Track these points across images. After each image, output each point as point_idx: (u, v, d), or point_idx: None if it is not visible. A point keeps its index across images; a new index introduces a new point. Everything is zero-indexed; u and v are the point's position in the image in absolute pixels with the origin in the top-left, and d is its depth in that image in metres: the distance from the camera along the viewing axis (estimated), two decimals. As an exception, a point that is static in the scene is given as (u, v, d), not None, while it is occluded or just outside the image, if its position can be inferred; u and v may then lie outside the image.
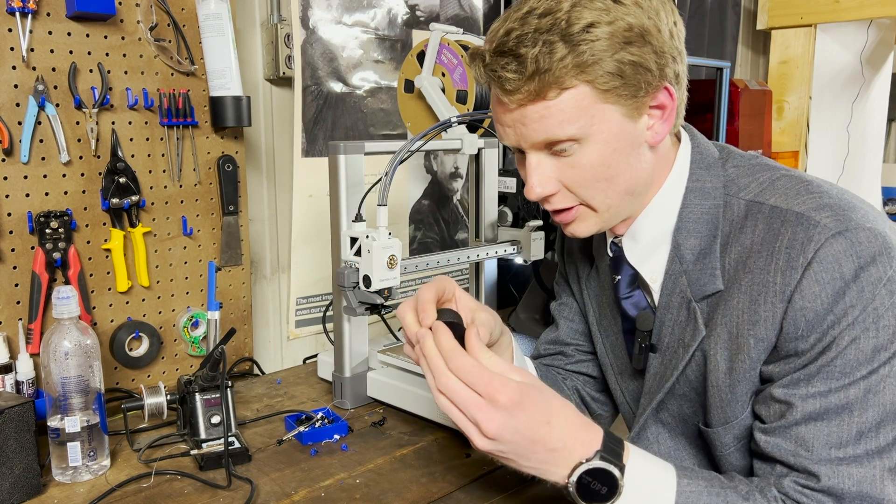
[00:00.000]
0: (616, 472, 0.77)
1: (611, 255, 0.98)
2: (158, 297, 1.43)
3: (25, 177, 1.25)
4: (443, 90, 1.45)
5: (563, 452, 0.77)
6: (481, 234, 1.58)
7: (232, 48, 1.40)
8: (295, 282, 1.68)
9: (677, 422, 0.96)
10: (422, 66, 1.46)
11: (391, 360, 1.37)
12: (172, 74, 1.40)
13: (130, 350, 1.40)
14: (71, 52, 1.27)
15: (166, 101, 1.38)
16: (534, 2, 0.80)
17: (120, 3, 1.31)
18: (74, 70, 1.27)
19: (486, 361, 0.78)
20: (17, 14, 1.20)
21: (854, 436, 0.77)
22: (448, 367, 0.77)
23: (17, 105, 1.22)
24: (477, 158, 1.56)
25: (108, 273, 1.36)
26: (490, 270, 1.62)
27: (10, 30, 1.20)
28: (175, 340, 1.47)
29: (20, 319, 1.25)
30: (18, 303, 1.25)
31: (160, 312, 1.44)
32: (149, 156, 1.38)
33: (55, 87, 1.26)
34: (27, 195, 1.25)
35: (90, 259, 1.33)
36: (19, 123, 1.23)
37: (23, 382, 1.21)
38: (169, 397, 1.18)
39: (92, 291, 1.35)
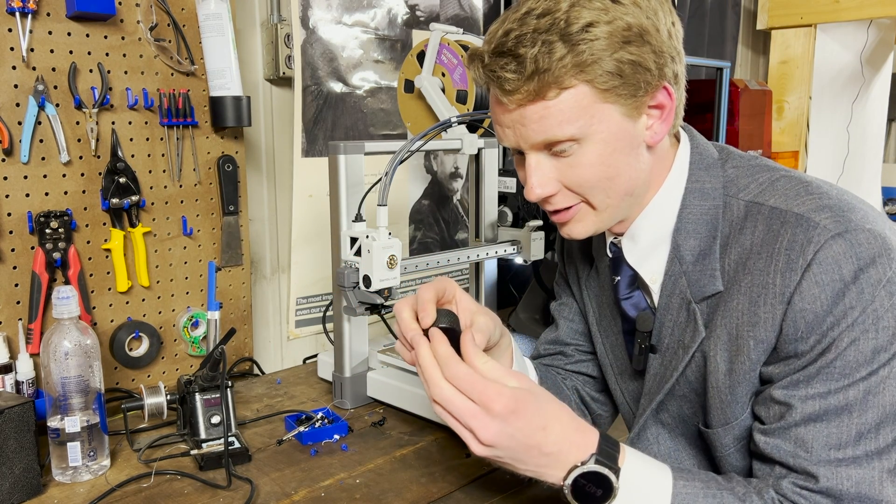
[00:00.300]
0: (611, 475, 0.77)
1: (610, 255, 0.97)
2: (158, 297, 1.43)
3: (25, 177, 1.25)
4: (443, 90, 1.45)
5: (558, 456, 0.77)
6: (481, 234, 1.58)
7: (232, 48, 1.40)
8: (295, 282, 1.68)
9: (677, 422, 0.96)
10: (422, 66, 1.46)
11: (391, 360, 1.37)
12: (172, 74, 1.40)
13: (130, 350, 1.40)
14: (71, 52, 1.27)
15: (166, 101, 1.38)
16: (532, 2, 0.80)
17: (120, 3, 1.31)
18: (74, 70, 1.27)
19: (482, 367, 0.78)
20: (17, 14, 1.20)
21: (853, 437, 0.77)
22: (443, 375, 0.77)
23: (17, 105, 1.22)
24: (477, 158, 1.56)
25: (108, 273, 1.36)
26: (490, 270, 1.62)
27: (10, 30, 1.20)
28: (175, 340, 1.47)
29: (20, 319, 1.25)
30: (18, 303, 1.26)
31: (160, 312, 1.44)
32: (149, 156, 1.38)
33: (55, 87, 1.26)
34: (27, 195, 1.25)
35: (90, 259, 1.33)
36: (19, 123, 1.23)
37: (23, 382, 1.21)
38: (169, 397, 1.18)
39: (92, 291, 1.35)
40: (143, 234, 1.38)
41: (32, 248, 1.26)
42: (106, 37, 1.31)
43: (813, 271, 0.77)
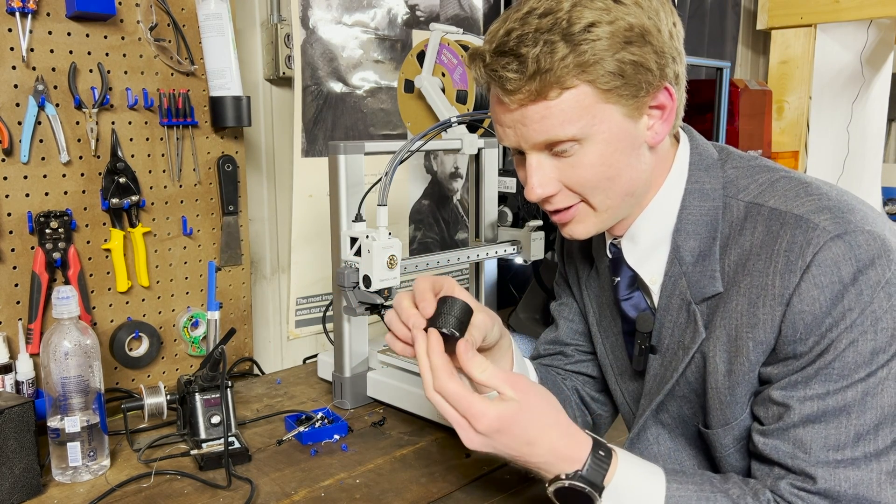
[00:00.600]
0: (592, 493, 0.79)
1: (610, 256, 0.97)
2: (158, 297, 1.43)
3: (25, 177, 1.25)
4: (443, 90, 1.45)
5: (546, 466, 0.80)
6: (481, 234, 1.58)
7: (232, 48, 1.40)
8: (295, 282, 1.68)
9: (677, 423, 0.96)
10: (422, 66, 1.46)
11: (391, 360, 1.37)
12: (172, 74, 1.40)
13: (130, 350, 1.40)
14: (71, 52, 1.27)
15: (166, 101, 1.38)
16: (534, 2, 0.80)
17: (120, 3, 1.31)
18: (74, 70, 1.27)
19: (479, 376, 0.79)
20: (17, 14, 1.20)
21: (852, 438, 0.77)
22: (434, 383, 0.79)
23: (17, 105, 1.22)
24: (477, 158, 1.56)
25: (108, 273, 1.36)
26: (490, 270, 1.62)
27: (10, 30, 1.20)
28: (175, 340, 1.47)
29: (20, 319, 1.26)
30: (18, 303, 1.26)
31: (160, 312, 1.44)
32: (149, 156, 1.39)
33: (55, 87, 1.26)
34: (27, 195, 1.25)
35: (90, 259, 1.34)
36: (19, 123, 1.23)
37: (23, 382, 1.21)
38: (169, 397, 1.18)
39: (92, 291, 1.35)
40: (143, 234, 1.38)
41: (32, 248, 1.26)
42: (106, 37, 1.31)
43: (812, 273, 0.77)
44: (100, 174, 1.33)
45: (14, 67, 1.22)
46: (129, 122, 1.35)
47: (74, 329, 1.05)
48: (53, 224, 1.26)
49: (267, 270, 1.70)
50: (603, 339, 1.07)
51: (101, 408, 1.08)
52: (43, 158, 1.26)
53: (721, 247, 0.87)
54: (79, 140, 1.30)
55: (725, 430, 0.87)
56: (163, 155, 1.41)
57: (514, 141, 0.85)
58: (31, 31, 1.22)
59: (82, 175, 1.31)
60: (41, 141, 1.26)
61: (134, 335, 1.40)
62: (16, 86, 1.22)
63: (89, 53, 1.29)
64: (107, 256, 1.35)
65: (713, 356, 0.87)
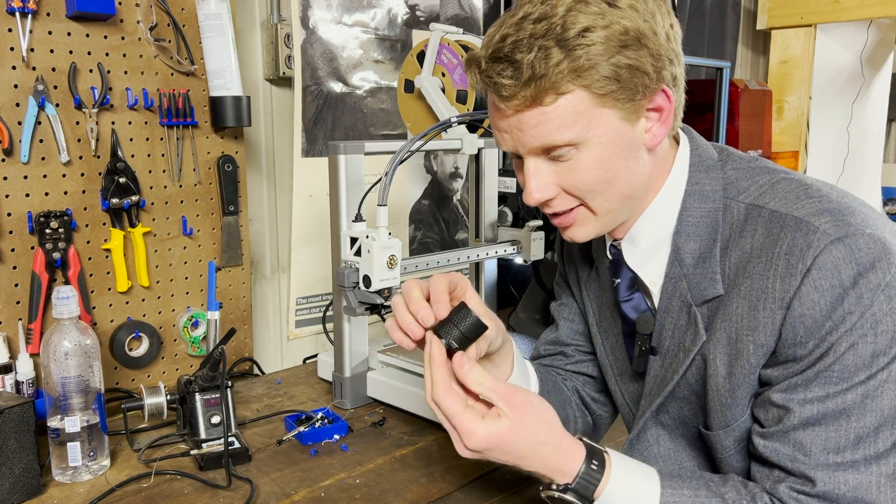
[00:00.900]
0: None
1: (610, 257, 0.97)
2: (158, 297, 1.43)
3: (25, 177, 1.25)
4: (443, 90, 1.45)
5: (538, 473, 0.82)
6: (481, 234, 1.58)
7: (232, 48, 1.40)
8: (295, 282, 1.68)
9: (677, 424, 0.96)
10: (422, 66, 1.46)
11: (391, 360, 1.37)
12: (172, 74, 1.40)
13: (130, 350, 1.40)
14: (71, 52, 1.27)
15: (166, 101, 1.38)
16: (529, 7, 0.80)
17: (120, 3, 1.31)
18: (74, 70, 1.27)
19: (475, 388, 0.80)
20: (17, 14, 1.20)
21: (852, 441, 0.77)
22: (433, 394, 0.80)
23: (17, 105, 1.22)
24: (477, 158, 1.56)
25: (108, 273, 1.36)
26: (490, 270, 1.62)
27: (10, 30, 1.20)
28: (175, 340, 1.47)
29: (20, 319, 1.26)
30: (18, 303, 1.26)
31: (160, 312, 1.44)
32: (149, 156, 1.39)
33: (55, 87, 1.26)
34: (27, 195, 1.25)
35: (90, 259, 1.34)
36: (19, 123, 1.23)
37: (23, 382, 1.21)
38: (169, 397, 1.18)
39: (92, 291, 1.35)
40: (143, 234, 1.38)
41: (32, 248, 1.26)
42: (106, 37, 1.31)
43: (812, 276, 0.77)
44: (100, 174, 1.33)
45: (14, 67, 1.22)
46: (129, 122, 1.35)
47: (74, 329, 1.05)
48: (53, 224, 1.26)
49: (267, 270, 1.70)
50: (603, 340, 1.07)
51: (101, 408, 1.08)
52: (43, 158, 1.26)
53: (721, 249, 0.87)
54: (79, 140, 1.30)
55: (726, 431, 0.87)
56: (163, 155, 1.41)
57: (512, 146, 0.85)
58: (31, 31, 1.22)
59: (82, 175, 1.31)
60: (41, 141, 1.26)
61: (134, 335, 1.40)
62: (16, 86, 1.22)
63: (89, 53, 1.29)
64: (107, 256, 1.35)
65: (714, 359, 0.87)
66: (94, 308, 1.35)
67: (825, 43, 2.91)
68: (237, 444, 1.14)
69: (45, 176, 1.27)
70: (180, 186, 1.43)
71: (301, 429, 1.21)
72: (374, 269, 1.19)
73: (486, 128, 1.45)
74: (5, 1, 1.19)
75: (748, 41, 3.14)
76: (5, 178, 1.23)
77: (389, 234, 1.21)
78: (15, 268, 1.25)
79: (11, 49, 1.21)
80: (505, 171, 1.65)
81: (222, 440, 1.13)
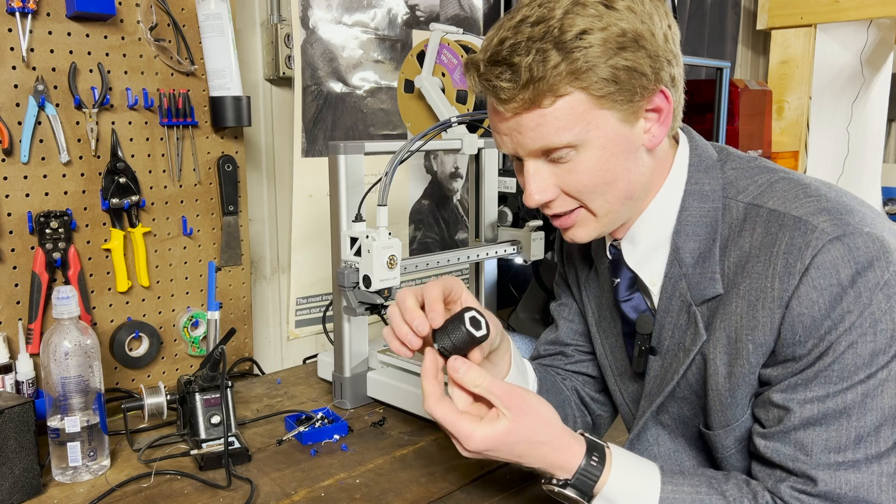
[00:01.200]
0: (581, 501, 0.82)
1: (609, 258, 0.97)
2: (158, 297, 1.43)
3: (25, 177, 1.25)
4: (443, 90, 1.45)
5: (539, 469, 0.83)
6: (481, 234, 1.58)
7: (232, 48, 1.40)
8: (295, 282, 1.68)
9: (677, 424, 0.96)
10: (422, 66, 1.46)
11: (391, 360, 1.37)
12: (172, 74, 1.40)
13: (130, 350, 1.40)
14: (71, 52, 1.27)
15: (166, 101, 1.38)
16: (527, 10, 0.80)
17: (120, 3, 1.31)
18: (74, 70, 1.27)
19: (474, 390, 0.81)
20: (17, 14, 1.20)
21: (853, 440, 0.77)
22: (424, 404, 0.82)
23: (17, 105, 1.22)
24: (477, 158, 1.56)
25: (108, 273, 1.36)
26: (490, 270, 1.62)
27: (10, 30, 1.20)
28: (175, 340, 1.47)
29: (20, 319, 1.26)
30: (18, 303, 1.26)
31: (160, 312, 1.44)
32: (149, 156, 1.39)
33: (55, 87, 1.26)
34: (27, 195, 1.25)
35: (90, 259, 1.34)
36: (19, 123, 1.23)
37: (23, 382, 1.21)
38: (169, 397, 1.18)
39: (92, 291, 1.35)
40: (143, 234, 1.38)
41: (32, 248, 1.26)
42: (106, 37, 1.31)
43: (811, 276, 0.77)
44: (100, 174, 1.33)
45: (14, 67, 1.22)
46: (129, 122, 1.35)
47: (74, 329, 1.05)
48: (53, 224, 1.26)
49: (267, 270, 1.70)
50: (602, 340, 1.07)
51: (101, 408, 1.08)
52: (43, 158, 1.26)
53: (721, 248, 0.87)
54: (79, 140, 1.30)
55: (727, 431, 0.88)
56: (163, 155, 1.41)
57: (511, 148, 0.85)
58: (31, 31, 1.22)
59: (82, 175, 1.31)
60: (41, 141, 1.26)
61: (134, 335, 1.40)
62: (16, 86, 1.22)
63: (89, 53, 1.29)
64: (107, 256, 1.35)
65: (714, 358, 0.87)
66: (94, 308, 1.35)
67: (825, 43, 2.91)
68: (237, 444, 1.14)
69: (45, 176, 1.27)
70: (180, 186, 1.43)
71: (301, 429, 1.21)
72: (374, 269, 1.19)
73: (486, 128, 1.45)
74: (5, 1, 1.19)
75: (748, 41, 3.14)
76: (5, 178, 1.23)
77: (389, 234, 1.21)
78: (15, 268, 1.25)
79: (11, 49, 1.21)
80: (505, 171, 1.65)
81: (222, 440, 1.13)
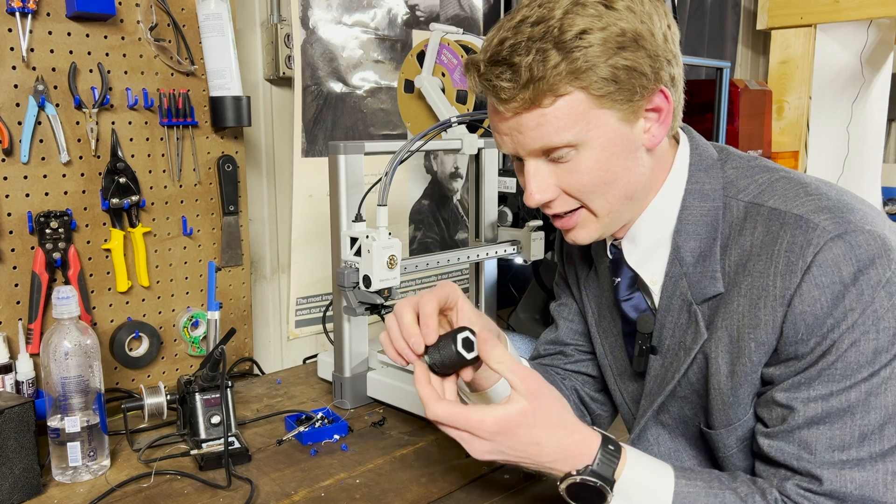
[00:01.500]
0: (604, 487, 0.79)
1: (610, 257, 0.98)
2: (158, 297, 1.43)
3: (25, 177, 1.25)
4: (443, 90, 1.45)
5: (555, 465, 0.80)
6: (481, 234, 1.58)
7: (232, 48, 1.40)
8: (295, 282, 1.68)
9: (678, 423, 0.96)
10: (422, 66, 1.46)
11: (391, 360, 1.37)
12: (172, 74, 1.40)
13: (130, 350, 1.40)
14: (71, 52, 1.27)
15: (166, 101, 1.38)
16: (526, 10, 0.80)
17: (120, 3, 1.31)
18: (74, 70, 1.27)
19: (496, 366, 0.79)
20: (17, 14, 1.20)
21: (857, 438, 0.77)
22: (426, 412, 0.80)
23: (17, 105, 1.22)
24: (477, 158, 1.56)
25: (108, 273, 1.36)
26: (490, 270, 1.62)
27: (10, 30, 1.20)
28: (175, 340, 1.47)
29: (20, 319, 1.25)
30: (18, 303, 1.26)
31: (160, 312, 1.44)
32: (149, 156, 1.39)
33: (55, 87, 1.26)
34: (27, 195, 1.25)
35: (90, 259, 1.34)
36: (19, 123, 1.23)
37: (23, 382, 1.21)
38: (169, 397, 1.18)
39: (92, 291, 1.35)
40: (143, 234, 1.38)
41: (32, 248, 1.26)
42: (106, 37, 1.31)
43: (813, 273, 0.77)
44: (100, 174, 1.33)
45: (14, 67, 1.22)
46: (129, 122, 1.35)
47: (74, 329, 1.05)
48: (53, 224, 1.26)
49: (267, 270, 1.70)
50: (602, 340, 1.07)
51: (101, 408, 1.08)
52: (43, 158, 1.26)
53: (722, 247, 0.87)
54: (79, 140, 1.30)
55: (728, 430, 0.88)
56: (163, 155, 1.41)
57: (512, 148, 0.86)
58: (31, 31, 1.22)
59: (82, 175, 1.31)
60: (41, 141, 1.26)
61: (134, 335, 1.40)
62: (16, 86, 1.22)
63: (89, 53, 1.29)
64: (107, 256, 1.35)
65: (715, 357, 0.87)
66: (94, 308, 1.35)
67: (825, 43, 2.91)
68: (237, 444, 1.14)
69: (45, 176, 1.27)
70: (180, 186, 1.43)
71: (301, 429, 1.21)
72: (374, 269, 1.19)
73: (486, 128, 1.45)
74: (5, 1, 1.19)
75: (748, 41, 3.14)
76: (5, 178, 1.23)
77: (389, 234, 1.21)
78: (15, 268, 1.25)
79: (11, 49, 1.21)
80: (505, 171, 1.65)
81: (222, 440, 1.13)
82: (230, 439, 1.14)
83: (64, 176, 1.29)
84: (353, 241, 1.24)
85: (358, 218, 1.24)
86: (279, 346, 1.75)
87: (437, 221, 1.96)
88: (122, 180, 1.34)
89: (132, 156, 1.36)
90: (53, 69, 1.26)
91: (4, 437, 0.99)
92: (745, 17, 3.06)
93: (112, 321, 1.38)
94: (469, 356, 0.81)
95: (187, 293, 1.47)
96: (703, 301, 0.88)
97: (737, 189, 0.88)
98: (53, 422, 1.05)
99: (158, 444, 1.18)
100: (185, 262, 1.46)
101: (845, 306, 0.76)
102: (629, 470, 0.80)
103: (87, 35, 1.29)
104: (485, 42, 0.83)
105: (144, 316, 1.42)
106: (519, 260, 1.55)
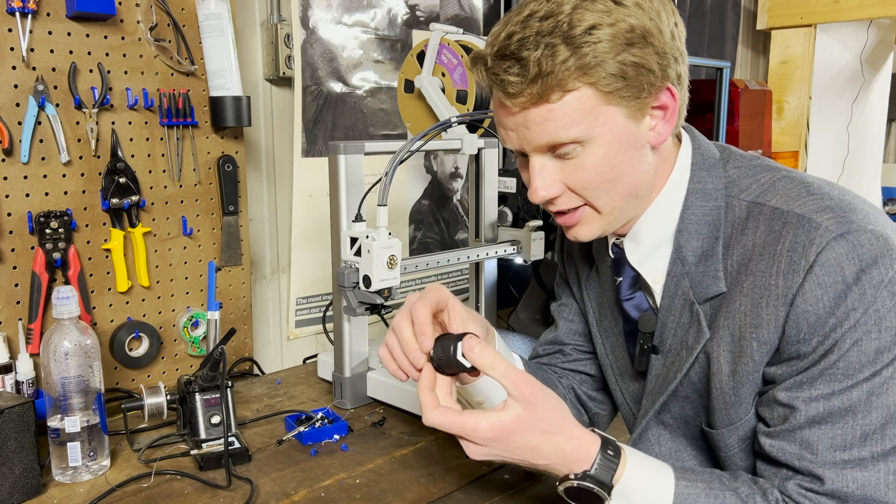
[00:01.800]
0: (602, 493, 0.79)
1: (612, 256, 0.97)
2: (158, 297, 1.43)
3: (25, 177, 1.25)
4: (443, 90, 1.45)
5: (552, 467, 0.80)
6: (481, 234, 1.58)
7: (232, 48, 1.40)
8: (295, 282, 1.68)
9: (679, 423, 0.96)
10: (422, 66, 1.46)
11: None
12: (172, 74, 1.40)
13: (130, 350, 1.40)
14: (71, 52, 1.27)
15: (166, 101, 1.38)
16: (534, 5, 0.80)
17: (120, 3, 1.31)
18: (74, 70, 1.27)
19: (489, 372, 0.79)
20: (17, 14, 1.20)
21: (859, 438, 0.77)
22: (424, 418, 0.80)
23: (17, 105, 1.22)
24: (477, 158, 1.56)
25: (108, 273, 1.36)
26: (490, 270, 1.62)
27: (10, 30, 1.20)
28: (175, 340, 1.47)
29: (20, 319, 1.25)
30: (18, 303, 1.25)
31: (160, 312, 1.44)
32: (149, 156, 1.38)
33: (55, 87, 1.26)
34: (27, 195, 1.25)
35: (90, 259, 1.33)
36: (19, 123, 1.23)
37: (23, 382, 1.21)
38: (169, 397, 1.18)
39: (92, 291, 1.35)
40: (143, 234, 1.38)
41: (32, 248, 1.26)
42: (106, 37, 1.31)
43: (815, 273, 0.77)
44: (100, 174, 1.33)
45: (14, 67, 1.21)
46: (129, 122, 1.35)
47: (74, 329, 1.05)
48: (53, 224, 1.26)
49: (267, 270, 1.70)
50: (603, 340, 1.07)
51: (101, 408, 1.08)
52: (43, 158, 1.26)
53: (724, 246, 0.87)
54: (79, 140, 1.29)
55: (730, 430, 0.87)
56: (163, 155, 1.40)
57: (517, 144, 0.85)
58: (31, 31, 1.22)
59: (82, 175, 1.31)
60: (41, 141, 1.26)
61: (134, 335, 1.40)
62: (16, 86, 1.22)
63: (89, 53, 1.29)
64: (107, 256, 1.35)
65: (717, 356, 0.87)
66: (94, 308, 1.35)
67: (825, 43, 2.91)
68: (237, 444, 1.14)
69: (45, 176, 1.27)
70: (180, 186, 1.43)
71: (301, 429, 1.21)
72: (374, 269, 1.19)
73: (486, 128, 1.45)
74: (5, 1, 1.19)
75: (748, 41, 3.14)
76: (5, 178, 1.22)
77: (389, 234, 1.20)
78: (15, 268, 1.25)
79: (11, 49, 1.21)
80: (505, 171, 1.65)
81: (222, 440, 1.13)
82: (230, 439, 1.14)
83: (64, 176, 1.29)
84: (353, 241, 1.24)
85: (358, 218, 1.24)
86: (279, 346, 1.74)
87: (437, 221, 1.96)
88: (122, 180, 1.34)
89: (132, 156, 1.36)
90: (53, 69, 1.25)
91: (4, 437, 0.99)
92: (745, 17, 3.06)
93: (112, 321, 1.38)
94: (468, 364, 0.81)
95: (187, 293, 1.47)
96: (705, 300, 0.88)
97: (739, 188, 0.88)
98: (53, 422, 1.05)
99: (158, 444, 1.18)
100: (185, 262, 1.46)
101: (848, 306, 0.76)
102: (629, 472, 0.80)
103: (87, 35, 1.29)
104: (491, 37, 0.83)
105: (144, 316, 1.42)
106: (519, 260, 1.55)
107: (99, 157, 1.32)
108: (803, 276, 0.77)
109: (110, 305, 1.37)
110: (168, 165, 1.41)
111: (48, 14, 1.24)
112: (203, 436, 1.15)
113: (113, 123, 1.33)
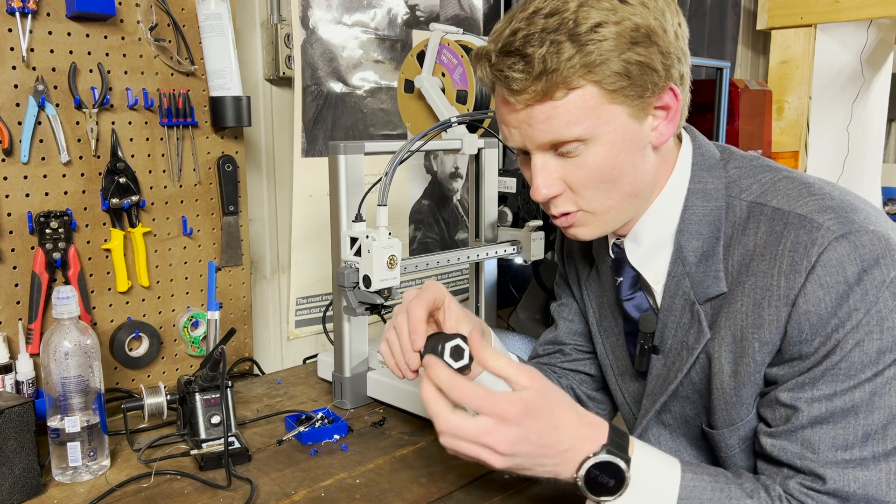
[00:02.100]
0: (622, 464, 0.76)
1: (612, 256, 0.97)
2: (158, 297, 1.43)
3: (25, 177, 1.24)
4: (443, 90, 1.45)
5: (572, 452, 0.77)
6: (481, 234, 1.58)
7: (232, 48, 1.40)
8: (295, 282, 1.68)
9: (679, 423, 0.96)
10: (422, 66, 1.46)
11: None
12: (172, 74, 1.40)
13: (130, 350, 1.40)
14: (71, 52, 1.27)
15: (166, 101, 1.38)
16: (539, 2, 0.80)
17: (120, 3, 1.31)
18: (74, 70, 1.27)
19: (494, 365, 0.77)
20: (17, 14, 1.20)
21: (860, 438, 0.77)
22: (451, 397, 0.76)
23: (17, 105, 1.22)
24: (477, 158, 1.56)
25: (108, 273, 1.36)
26: (490, 270, 1.62)
27: (10, 30, 1.20)
28: (175, 340, 1.47)
29: (20, 319, 1.25)
30: (18, 303, 1.25)
31: (160, 312, 1.44)
32: (149, 156, 1.38)
33: (55, 87, 1.26)
34: (27, 195, 1.25)
35: (90, 259, 1.33)
36: (19, 123, 1.23)
37: (23, 382, 1.21)
38: (169, 397, 1.18)
39: (92, 291, 1.34)
40: (143, 234, 1.38)
41: (32, 248, 1.26)
42: (106, 37, 1.31)
43: (817, 273, 0.77)
44: (100, 174, 1.32)
45: (14, 67, 1.21)
46: (129, 122, 1.35)
47: (74, 329, 1.05)
48: (53, 224, 1.26)
49: (267, 270, 1.70)
50: (603, 340, 1.07)
51: (101, 408, 1.08)
52: (43, 158, 1.26)
53: (724, 247, 0.87)
54: (79, 140, 1.29)
55: (731, 430, 0.87)
56: (163, 155, 1.40)
57: (520, 141, 0.85)
58: (31, 31, 1.22)
59: (82, 175, 1.31)
60: (41, 141, 1.26)
61: (134, 335, 1.40)
62: (16, 86, 1.22)
63: (89, 53, 1.29)
64: (107, 256, 1.35)
65: (719, 357, 0.86)
66: (94, 308, 1.35)
67: (825, 43, 2.91)
68: (237, 444, 1.14)
69: (45, 176, 1.26)
70: (180, 186, 1.43)
71: (301, 429, 1.21)
72: (374, 269, 1.19)
73: (486, 128, 1.45)
74: (5, 1, 1.19)
75: (748, 41, 3.14)
76: (5, 178, 1.22)
77: (389, 234, 1.20)
78: (15, 268, 1.25)
79: (11, 49, 1.21)
80: (505, 171, 1.65)
81: (222, 440, 1.13)
82: (230, 439, 1.14)
83: (64, 176, 1.29)
84: (353, 241, 1.24)
85: (358, 218, 1.24)
86: (279, 346, 1.74)
87: (437, 221, 1.96)
88: (122, 180, 1.34)
89: (132, 156, 1.36)
90: (53, 69, 1.25)
91: (4, 437, 0.99)
92: (745, 17, 3.06)
93: (112, 321, 1.38)
94: (456, 365, 0.79)
95: (187, 293, 1.47)
96: (705, 301, 0.88)
97: (739, 189, 0.88)
98: (53, 422, 1.05)
99: (158, 444, 1.18)
100: (185, 262, 1.46)
101: (850, 306, 0.76)
102: (637, 458, 0.78)
103: (87, 35, 1.29)
104: (494, 33, 0.82)
105: (144, 316, 1.42)
106: (519, 260, 1.55)
107: (99, 157, 1.32)
108: (805, 277, 0.77)
109: (110, 305, 1.37)
110: (168, 165, 1.41)
111: (48, 14, 1.24)
112: (203, 436, 1.15)
113: (113, 123, 1.33)
